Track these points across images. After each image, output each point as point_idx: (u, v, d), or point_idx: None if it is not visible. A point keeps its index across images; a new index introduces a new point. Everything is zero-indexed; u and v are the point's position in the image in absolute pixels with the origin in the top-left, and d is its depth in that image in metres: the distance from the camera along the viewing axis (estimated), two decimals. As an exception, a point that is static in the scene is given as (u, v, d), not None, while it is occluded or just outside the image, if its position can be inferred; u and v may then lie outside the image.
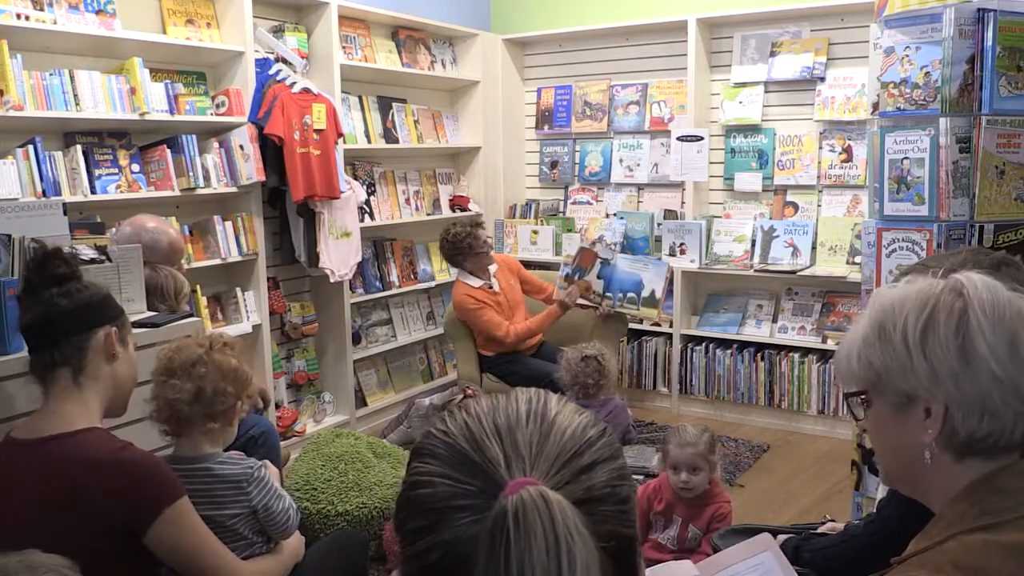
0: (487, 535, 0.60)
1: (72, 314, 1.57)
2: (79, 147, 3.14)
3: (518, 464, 0.65)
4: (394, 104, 4.72)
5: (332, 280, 4.02)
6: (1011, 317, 0.99)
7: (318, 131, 3.79)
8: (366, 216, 4.43)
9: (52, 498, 1.47)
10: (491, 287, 4.00)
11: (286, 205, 3.90)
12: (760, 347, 4.47)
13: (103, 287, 1.67)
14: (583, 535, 0.60)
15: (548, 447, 0.67)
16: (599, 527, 0.64)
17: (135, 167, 3.34)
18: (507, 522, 0.59)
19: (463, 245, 3.95)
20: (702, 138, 4.56)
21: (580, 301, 4.11)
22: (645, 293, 4.07)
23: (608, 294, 4.10)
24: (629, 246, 4.76)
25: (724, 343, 4.57)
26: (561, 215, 5.19)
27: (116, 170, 3.27)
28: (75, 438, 1.53)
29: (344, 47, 4.29)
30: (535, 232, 5.10)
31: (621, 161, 5.00)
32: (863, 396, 1.08)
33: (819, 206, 4.44)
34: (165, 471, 1.55)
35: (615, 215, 4.98)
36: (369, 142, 4.51)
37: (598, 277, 4.11)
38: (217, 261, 3.62)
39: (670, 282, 4.24)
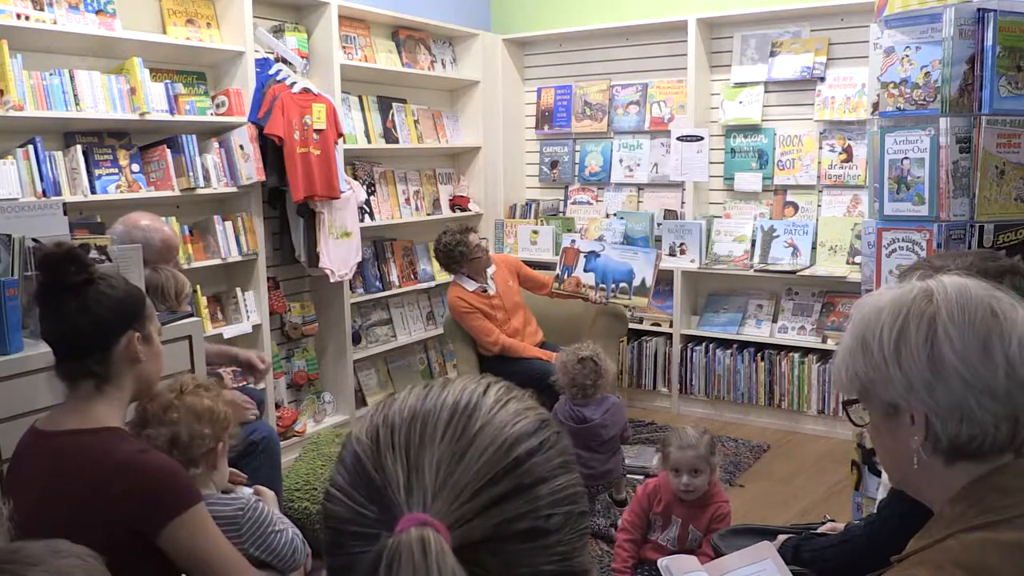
0: None
1: (91, 333, 1.56)
2: (79, 147, 3.13)
3: (419, 492, 0.57)
4: (394, 104, 4.72)
5: (332, 280, 4.02)
6: (981, 319, 0.99)
7: (318, 131, 3.79)
8: (366, 216, 4.43)
9: (67, 491, 1.48)
10: (486, 290, 3.97)
11: (286, 205, 3.90)
12: (760, 347, 4.47)
13: (121, 284, 1.63)
14: None
15: (458, 473, 0.58)
16: (509, 569, 0.57)
17: (135, 167, 3.34)
18: (379, 570, 0.53)
19: (455, 254, 3.89)
20: (702, 138, 4.56)
21: (571, 292, 4.15)
22: (636, 282, 4.11)
23: (603, 285, 4.13)
24: (628, 244, 4.76)
25: (724, 343, 4.57)
26: (561, 215, 5.19)
27: (116, 170, 3.27)
28: (96, 436, 1.54)
29: (344, 47, 4.29)
30: (535, 232, 5.10)
31: (621, 161, 5.00)
32: (859, 404, 1.09)
33: (819, 206, 4.44)
34: (182, 477, 1.55)
35: (615, 215, 4.98)
36: (369, 142, 4.50)
37: (586, 270, 4.15)
38: (217, 261, 3.62)
39: (659, 270, 4.26)
